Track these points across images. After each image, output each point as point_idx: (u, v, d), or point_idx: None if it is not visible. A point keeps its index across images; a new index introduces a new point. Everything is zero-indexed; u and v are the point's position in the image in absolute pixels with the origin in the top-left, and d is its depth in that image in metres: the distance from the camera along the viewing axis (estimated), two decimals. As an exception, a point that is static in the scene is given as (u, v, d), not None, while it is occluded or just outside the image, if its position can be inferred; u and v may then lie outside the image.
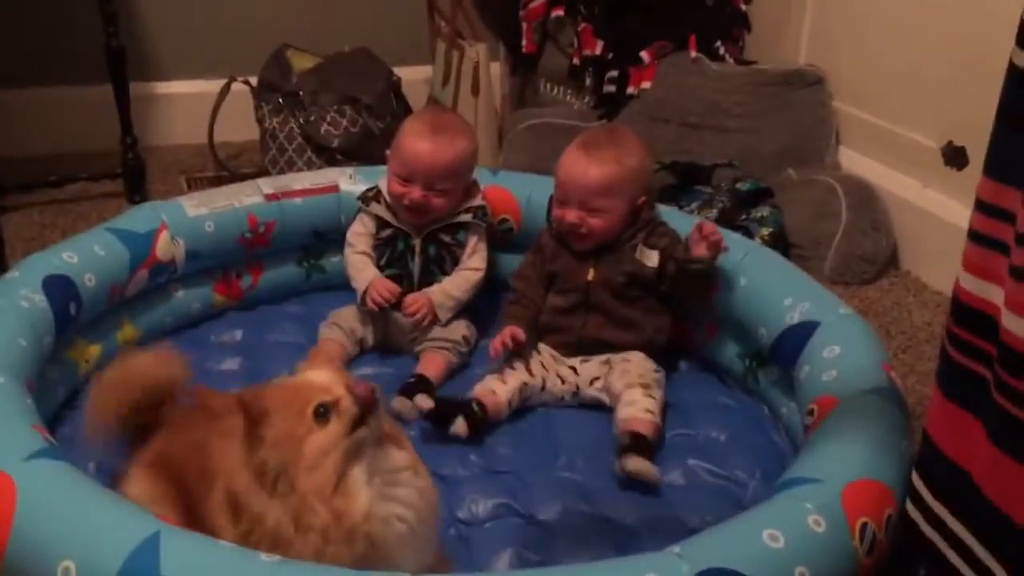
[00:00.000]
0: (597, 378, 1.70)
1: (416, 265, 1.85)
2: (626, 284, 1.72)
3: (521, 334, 1.68)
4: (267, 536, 1.09)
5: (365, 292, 1.81)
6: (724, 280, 1.75)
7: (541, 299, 1.77)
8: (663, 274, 1.71)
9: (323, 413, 1.10)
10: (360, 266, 1.86)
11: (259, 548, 1.08)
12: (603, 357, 1.71)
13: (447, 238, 1.86)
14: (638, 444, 1.52)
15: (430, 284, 1.85)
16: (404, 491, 1.14)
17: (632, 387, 1.62)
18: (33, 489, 1.13)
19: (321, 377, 1.15)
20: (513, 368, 1.68)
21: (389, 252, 1.86)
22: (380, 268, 1.86)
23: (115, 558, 1.03)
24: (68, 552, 1.05)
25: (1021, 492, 0.94)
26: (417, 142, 1.80)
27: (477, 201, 1.88)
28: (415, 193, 1.80)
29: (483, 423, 1.60)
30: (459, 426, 1.57)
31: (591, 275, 1.72)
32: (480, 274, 1.86)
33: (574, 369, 1.72)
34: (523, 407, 1.68)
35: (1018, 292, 0.92)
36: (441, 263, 1.86)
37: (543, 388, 1.70)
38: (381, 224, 1.87)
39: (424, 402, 1.58)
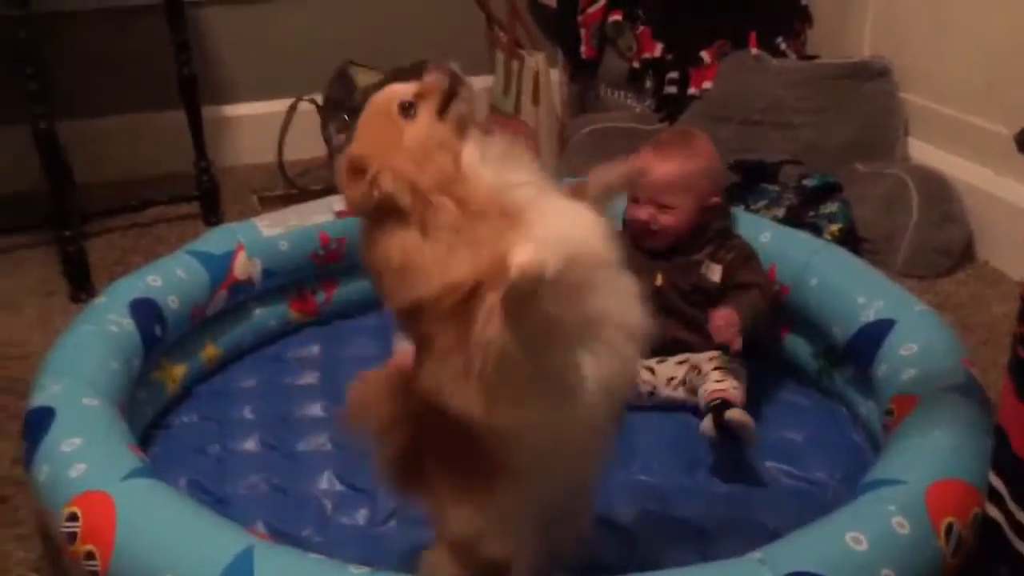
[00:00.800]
0: (673, 378, 1.71)
1: None
2: (692, 292, 1.74)
3: None
4: (397, 272, 1.01)
5: None
6: (795, 280, 1.74)
7: None
8: (724, 290, 1.72)
9: (409, 107, 1.04)
10: None
11: (395, 303, 1.01)
12: (680, 357, 1.72)
13: None
14: (726, 405, 1.54)
15: None
16: (521, 161, 1.06)
17: (719, 370, 1.64)
18: (132, 507, 1.18)
19: (390, 87, 1.08)
20: None
21: None
22: None
23: (212, 572, 1.07)
24: (168, 567, 1.10)
25: None
26: None
27: None
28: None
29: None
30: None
31: (659, 280, 1.73)
32: None
33: (651, 370, 1.72)
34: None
35: None
36: None
37: None
38: None
39: None
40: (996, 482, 1.08)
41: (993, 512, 1.08)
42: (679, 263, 1.75)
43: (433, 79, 1.06)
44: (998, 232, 2.19)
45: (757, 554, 1.08)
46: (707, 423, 1.55)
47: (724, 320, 1.62)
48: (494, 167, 1.04)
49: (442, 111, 1.05)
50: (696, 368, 1.68)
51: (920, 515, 1.12)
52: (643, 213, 1.73)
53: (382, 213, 1.03)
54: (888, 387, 1.45)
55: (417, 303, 1.02)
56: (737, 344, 1.62)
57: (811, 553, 1.08)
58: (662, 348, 1.72)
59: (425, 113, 1.05)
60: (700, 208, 1.74)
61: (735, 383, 1.61)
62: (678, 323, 1.73)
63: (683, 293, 1.74)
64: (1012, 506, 1.04)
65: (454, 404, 1.03)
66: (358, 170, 1.04)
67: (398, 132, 1.04)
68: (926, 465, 1.20)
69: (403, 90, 1.07)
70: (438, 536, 1.20)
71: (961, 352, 1.48)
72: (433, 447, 1.15)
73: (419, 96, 1.05)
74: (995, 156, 2.20)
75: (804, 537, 1.12)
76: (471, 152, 1.04)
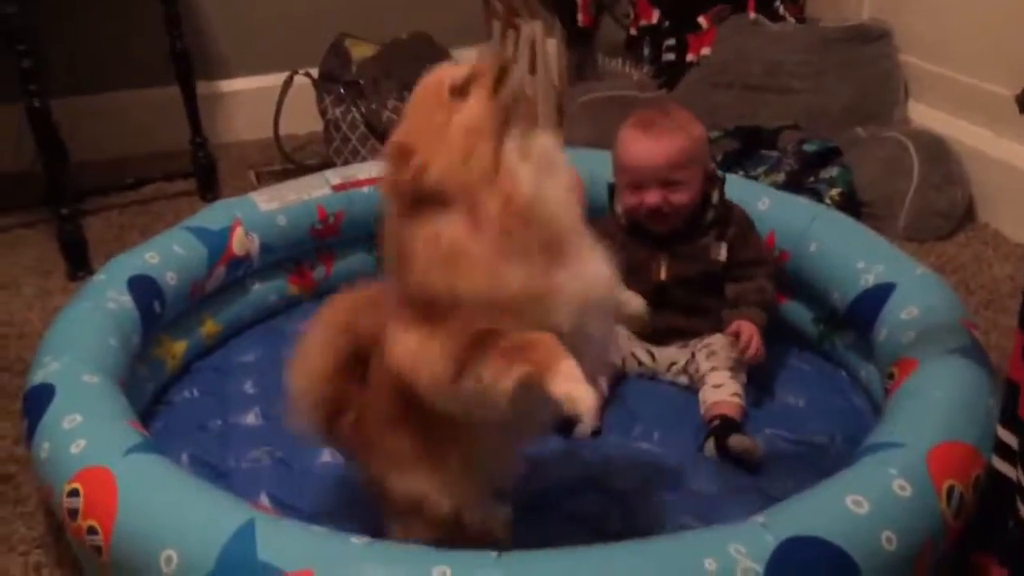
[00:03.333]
0: (675, 363, 1.69)
1: None
2: (697, 279, 1.68)
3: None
4: (442, 258, 1.00)
5: None
6: (794, 246, 1.73)
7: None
8: (729, 268, 1.68)
9: (461, 90, 1.02)
10: None
11: (436, 283, 1.00)
12: (680, 342, 1.70)
13: None
14: (728, 428, 1.51)
15: None
16: (562, 171, 1.06)
17: (718, 370, 1.61)
18: (133, 483, 1.18)
19: (442, 68, 1.06)
20: None
21: None
22: None
23: (214, 546, 1.07)
24: (170, 542, 1.10)
25: None
26: None
27: None
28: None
29: (602, 420, 1.59)
30: (583, 428, 1.55)
31: (663, 274, 1.67)
32: None
33: (651, 354, 1.71)
34: (598, 382, 1.68)
35: None
36: None
37: (623, 370, 1.70)
38: None
39: None
40: (1005, 436, 1.08)
41: (1002, 467, 1.08)
42: (685, 252, 1.68)
43: (485, 61, 1.04)
44: (998, 194, 2.18)
45: (760, 518, 1.08)
46: (710, 447, 1.51)
47: (750, 342, 1.58)
48: (535, 168, 1.03)
49: (496, 90, 1.03)
50: (695, 359, 1.65)
51: (921, 477, 1.12)
52: (653, 197, 1.64)
53: (424, 200, 1.02)
54: (889, 351, 1.44)
55: (455, 296, 1.01)
56: (763, 354, 1.60)
57: (812, 517, 1.08)
58: (662, 336, 1.70)
59: (478, 94, 1.02)
60: (705, 177, 1.68)
61: (734, 387, 1.58)
62: (679, 313, 1.69)
63: (688, 282, 1.68)
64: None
65: (423, 391, 1.06)
66: (404, 156, 1.02)
67: (447, 115, 1.02)
68: (927, 428, 1.19)
69: (455, 71, 1.05)
70: (386, 503, 1.22)
71: (963, 314, 1.47)
72: (384, 414, 1.17)
73: (471, 79, 1.03)
74: (995, 118, 2.18)
75: (805, 500, 1.12)
76: (513, 152, 1.03)
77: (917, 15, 2.40)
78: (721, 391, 1.58)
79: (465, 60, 1.08)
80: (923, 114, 2.40)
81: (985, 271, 2.04)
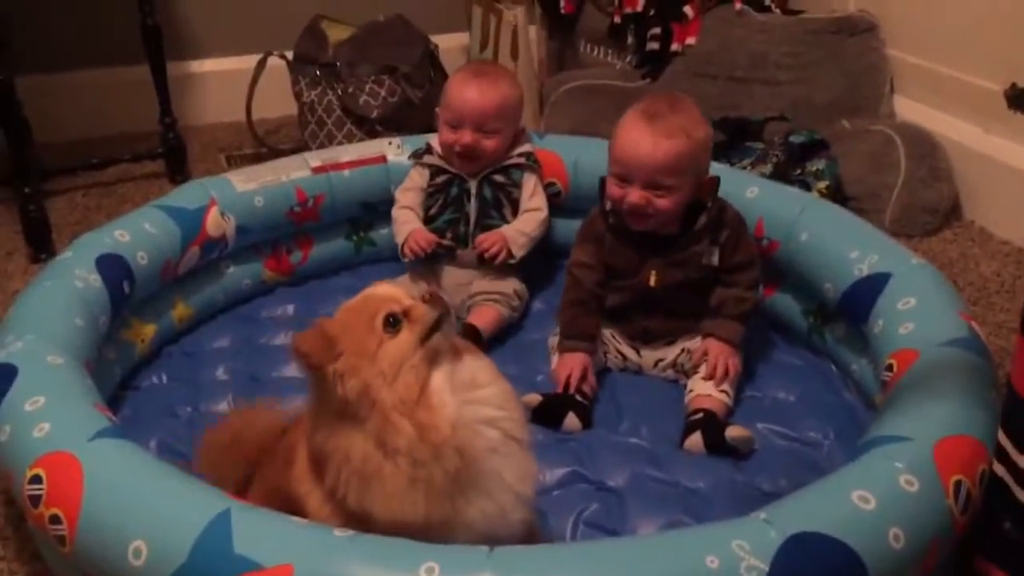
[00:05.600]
0: (661, 360, 1.65)
1: (472, 208, 1.84)
2: (688, 284, 1.61)
3: (588, 371, 1.59)
4: (356, 474, 1.03)
5: (404, 243, 1.81)
6: (784, 236, 1.69)
7: (602, 289, 1.65)
8: (719, 272, 1.62)
9: (394, 323, 1.05)
10: (402, 219, 1.86)
11: (348, 498, 1.04)
12: (667, 340, 1.65)
13: (501, 178, 1.84)
14: (712, 424, 1.47)
15: (488, 229, 1.83)
16: (489, 392, 1.09)
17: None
18: (100, 469, 1.11)
19: (386, 289, 1.10)
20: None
21: (443, 197, 1.85)
22: (436, 215, 1.85)
23: (187, 537, 1.01)
24: (139, 532, 1.03)
25: None
26: (464, 87, 1.82)
27: (527, 147, 1.88)
28: (466, 137, 1.80)
29: (591, 412, 1.55)
30: (571, 421, 1.52)
31: (653, 280, 1.60)
32: (544, 213, 1.85)
33: (637, 351, 1.66)
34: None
35: None
36: (499, 206, 1.84)
37: (604, 364, 1.66)
38: (436, 171, 1.87)
39: (531, 399, 1.52)
40: (1004, 440, 1.05)
41: (999, 470, 1.05)
42: (676, 259, 1.60)
43: (424, 309, 1.07)
44: (986, 190, 2.17)
45: (762, 514, 1.04)
46: (694, 441, 1.46)
47: (715, 365, 1.54)
48: (459, 398, 1.06)
49: (423, 340, 1.06)
50: (688, 352, 1.61)
51: (929, 472, 1.08)
52: (635, 196, 1.54)
53: (341, 407, 1.04)
54: (886, 342, 1.40)
55: (364, 512, 1.04)
56: (734, 369, 1.56)
57: (818, 513, 1.04)
58: (649, 336, 1.66)
59: (407, 335, 1.06)
60: (698, 185, 1.59)
61: (723, 384, 1.54)
62: (667, 315, 1.64)
63: (678, 288, 1.61)
64: (1017, 458, 1.01)
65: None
66: (328, 347, 1.04)
67: (378, 342, 1.05)
68: (933, 421, 1.16)
69: (393, 301, 1.08)
70: None
71: (960, 305, 1.44)
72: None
73: (406, 315, 1.06)
74: (983, 113, 2.17)
75: (809, 496, 1.08)
76: (439, 379, 1.06)
77: (904, 8, 2.38)
78: (710, 385, 1.54)
79: (404, 286, 1.16)
80: (909, 108, 2.38)
81: (972, 268, 2.03)
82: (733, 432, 1.44)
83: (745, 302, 1.61)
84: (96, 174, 2.45)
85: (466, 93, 1.80)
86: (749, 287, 1.63)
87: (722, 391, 1.54)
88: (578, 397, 1.54)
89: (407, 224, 1.84)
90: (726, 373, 1.55)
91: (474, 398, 1.07)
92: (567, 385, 1.55)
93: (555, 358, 1.63)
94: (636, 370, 1.66)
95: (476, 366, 1.10)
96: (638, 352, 1.66)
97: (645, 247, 1.61)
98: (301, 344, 1.05)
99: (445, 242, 1.82)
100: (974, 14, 2.17)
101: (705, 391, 1.53)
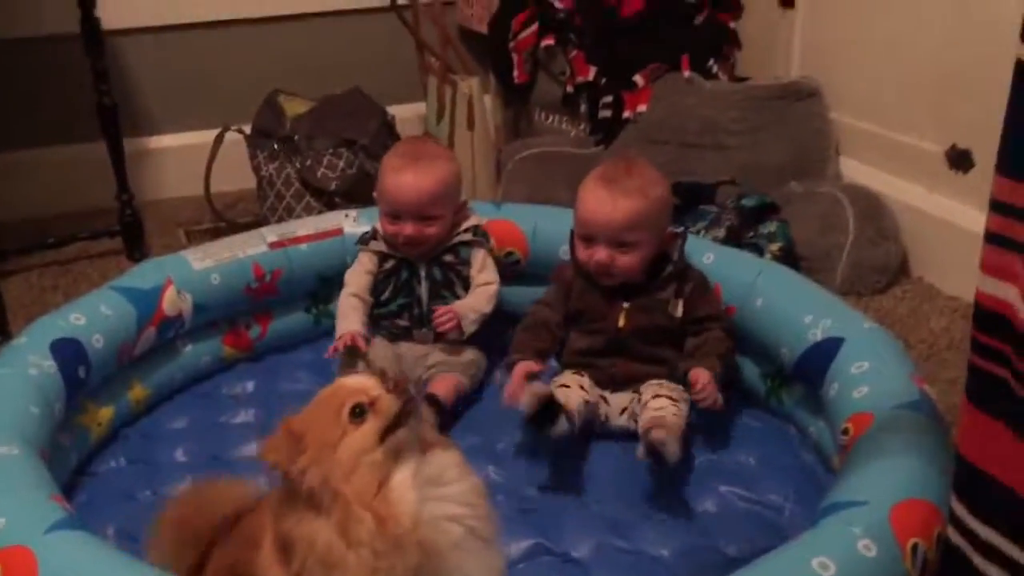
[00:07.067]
0: (626, 408, 1.67)
1: (424, 290, 1.84)
2: (654, 331, 1.68)
3: (534, 367, 1.64)
4: (319, 563, 1.03)
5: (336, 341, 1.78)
6: (740, 301, 1.72)
7: (559, 329, 1.73)
8: (684, 325, 1.68)
9: (359, 413, 1.06)
10: (343, 311, 1.83)
11: None
12: (634, 386, 1.68)
13: (450, 258, 1.85)
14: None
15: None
16: (454, 489, 1.09)
17: (660, 397, 1.59)
18: (56, 563, 1.09)
19: (356, 380, 1.11)
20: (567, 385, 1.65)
21: (394, 282, 1.85)
22: (388, 299, 1.85)
23: (145, 631, 1.00)
24: (97, 627, 1.02)
25: None
26: (399, 176, 1.79)
27: (472, 221, 1.88)
28: (407, 229, 1.79)
29: (580, 418, 1.57)
30: (562, 426, 1.52)
31: (622, 322, 1.67)
32: (495, 286, 1.85)
33: (605, 399, 1.68)
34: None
35: None
36: (450, 285, 1.85)
37: (604, 423, 1.68)
38: (383, 258, 1.86)
39: (532, 401, 1.52)
40: (957, 507, 1.06)
41: (956, 538, 1.06)
42: (643, 304, 1.68)
43: (389, 400, 1.08)
44: (932, 248, 2.22)
45: (724, 584, 1.05)
46: (640, 449, 1.50)
47: (704, 389, 1.56)
48: (423, 494, 1.06)
49: (386, 435, 1.07)
50: (639, 397, 1.64)
51: (886, 536, 1.10)
52: (600, 255, 1.64)
53: (305, 498, 1.05)
54: (841, 405, 1.43)
55: None
56: (720, 403, 1.59)
57: (779, 581, 1.05)
58: (618, 383, 1.69)
59: (371, 426, 1.07)
60: (659, 241, 1.68)
61: (674, 409, 1.56)
62: (634, 360, 1.69)
63: (645, 333, 1.68)
64: (973, 524, 1.02)
65: None
66: (293, 447, 1.06)
67: (341, 433, 1.06)
68: (888, 485, 1.17)
69: (361, 392, 1.08)
70: None
71: (911, 368, 1.47)
72: None
73: (372, 406, 1.07)
74: (927, 173, 2.23)
75: (770, 564, 1.09)
76: (403, 474, 1.07)
77: (846, 74, 2.46)
78: (662, 411, 1.55)
79: (374, 378, 1.12)
80: (855, 170, 2.45)
81: (923, 324, 2.07)
82: (655, 434, 1.45)
83: (722, 342, 1.66)
84: (52, 253, 2.43)
85: (401, 183, 1.78)
86: (723, 332, 1.67)
87: (675, 416, 1.54)
88: (559, 399, 1.55)
89: (344, 320, 1.81)
90: (711, 400, 1.57)
91: (438, 495, 1.07)
92: (550, 395, 1.55)
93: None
94: (603, 419, 1.67)
95: (444, 462, 1.10)
96: (606, 401, 1.68)
97: (614, 292, 1.69)
98: (267, 453, 1.07)
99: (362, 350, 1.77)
100: (914, 78, 2.25)
101: (662, 415, 1.54)
